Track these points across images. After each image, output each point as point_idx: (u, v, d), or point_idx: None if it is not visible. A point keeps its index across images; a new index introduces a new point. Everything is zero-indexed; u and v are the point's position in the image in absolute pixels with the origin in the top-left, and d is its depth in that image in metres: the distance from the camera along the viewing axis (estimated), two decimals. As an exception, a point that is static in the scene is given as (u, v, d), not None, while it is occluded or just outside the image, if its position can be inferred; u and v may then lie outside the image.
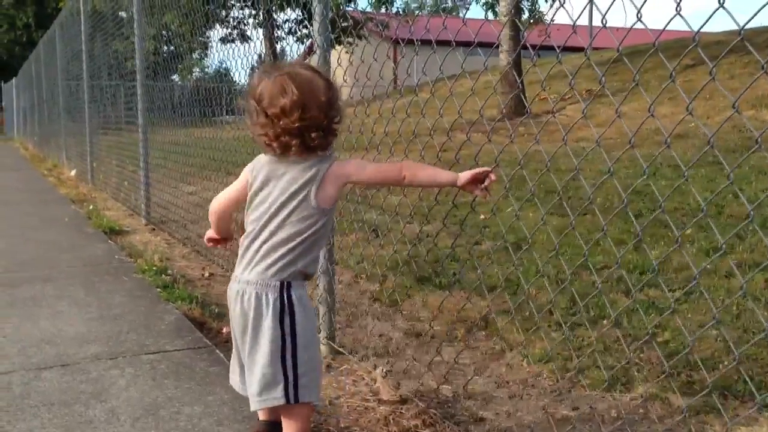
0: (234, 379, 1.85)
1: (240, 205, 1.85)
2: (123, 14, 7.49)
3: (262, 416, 1.88)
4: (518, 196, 5.39)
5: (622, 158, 5.88)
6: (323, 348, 2.92)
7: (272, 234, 1.70)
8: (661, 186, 5.40)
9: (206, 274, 4.37)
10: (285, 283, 1.69)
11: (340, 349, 2.89)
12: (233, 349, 1.81)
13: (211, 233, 1.96)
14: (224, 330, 3.23)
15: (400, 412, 2.32)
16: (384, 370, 2.53)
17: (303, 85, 1.68)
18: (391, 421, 2.27)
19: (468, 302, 2.78)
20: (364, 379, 2.67)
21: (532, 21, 12.87)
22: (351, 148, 3.13)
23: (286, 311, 1.68)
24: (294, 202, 1.69)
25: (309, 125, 1.67)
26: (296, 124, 1.65)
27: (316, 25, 2.74)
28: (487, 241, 4.30)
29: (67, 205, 7.41)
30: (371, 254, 4.00)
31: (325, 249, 2.86)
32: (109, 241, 5.27)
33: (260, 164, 1.77)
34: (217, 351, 2.84)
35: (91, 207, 7.10)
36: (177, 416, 2.20)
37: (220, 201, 1.91)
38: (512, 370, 2.67)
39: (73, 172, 10.26)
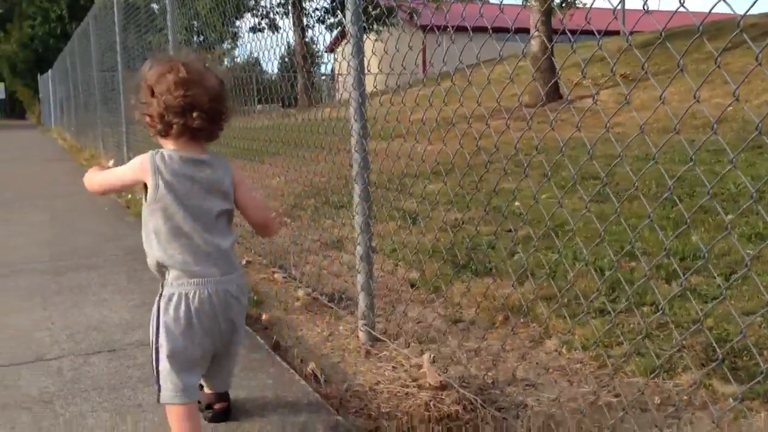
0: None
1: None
2: (155, 6, 7.58)
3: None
4: (554, 182, 5.35)
5: (657, 143, 5.80)
6: (363, 335, 2.95)
7: None
8: (700, 172, 5.31)
9: (243, 262, 4.43)
10: None
11: (380, 336, 2.92)
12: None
13: None
14: (263, 317, 3.28)
15: (441, 398, 2.35)
16: (431, 356, 2.55)
17: (191, 69, 1.79)
18: (432, 406, 2.29)
19: (508, 289, 2.79)
20: (403, 365, 2.69)
21: (564, 4, 12.68)
22: (388, 137, 3.15)
23: None
24: None
25: (192, 104, 1.76)
26: (179, 101, 1.75)
27: (348, 14, 2.74)
28: (527, 228, 4.29)
29: (106, 195, 7.54)
30: (410, 242, 4.02)
31: (365, 236, 2.88)
32: (149, 229, 5.36)
33: (170, 166, 1.82)
34: (258, 338, 2.88)
35: (129, 196, 7.21)
36: (222, 401, 2.24)
37: None
38: (553, 356, 2.67)
39: (111, 162, 10.43)
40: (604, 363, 2.52)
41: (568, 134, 2.24)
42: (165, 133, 1.82)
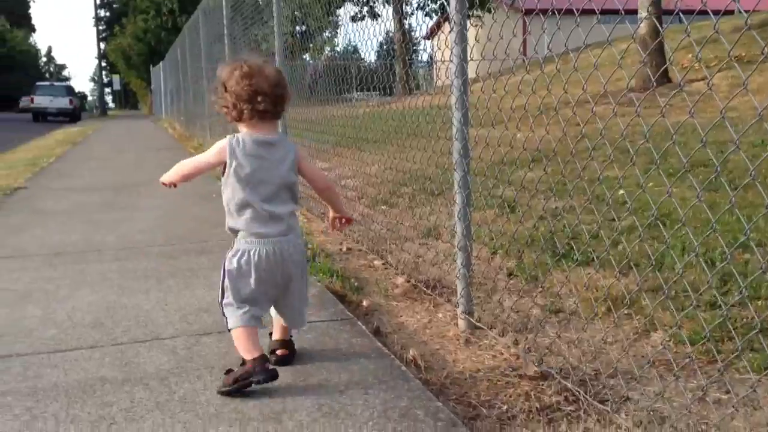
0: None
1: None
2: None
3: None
4: (662, 170, 5.15)
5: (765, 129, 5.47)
6: (462, 323, 2.96)
7: None
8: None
9: (344, 249, 4.52)
10: None
11: (479, 324, 2.92)
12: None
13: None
14: (364, 303, 3.35)
15: (542, 388, 2.33)
16: (526, 346, 2.53)
17: (252, 64, 2.25)
18: (533, 396, 2.27)
19: (610, 280, 2.72)
20: (503, 354, 2.68)
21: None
22: (489, 125, 3.13)
23: None
24: None
25: (256, 91, 2.20)
26: (246, 90, 2.20)
27: (453, 2, 2.73)
28: (631, 218, 4.16)
29: (213, 182, 7.86)
30: (507, 230, 3.99)
31: (463, 225, 2.88)
32: (253, 216, 5.55)
33: (241, 145, 2.27)
34: (359, 323, 2.94)
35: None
36: (325, 383, 2.31)
37: None
38: (658, 350, 2.59)
39: (217, 151, 10.83)
40: (714, 358, 2.43)
41: (675, 120, 2.16)
42: (239, 118, 2.27)
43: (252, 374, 2.18)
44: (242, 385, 2.19)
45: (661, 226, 3.06)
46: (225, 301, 2.30)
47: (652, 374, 2.38)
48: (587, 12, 2.18)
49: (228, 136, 2.28)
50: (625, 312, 2.90)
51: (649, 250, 3.19)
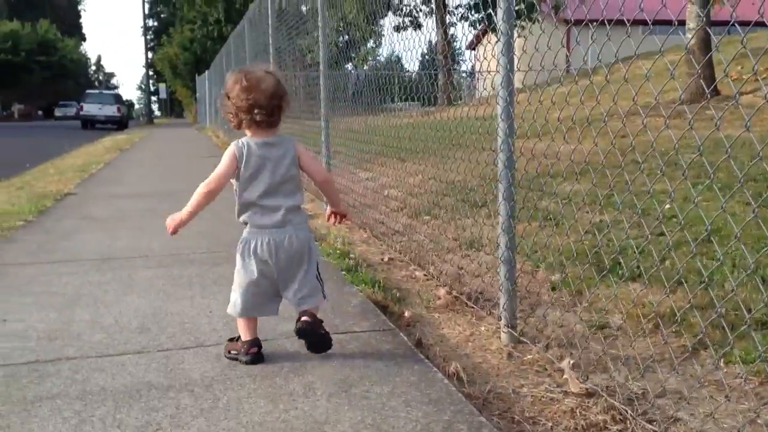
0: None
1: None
2: (304, 8, 7.87)
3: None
4: (709, 185, 5.04)
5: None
6: (504, 336, 2.93)
7: None
8: None
9: (385, 259, 4.52)
10: None
11: (522, 338, 2.89)
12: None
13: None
14: (406, 314, 3.34)
15: (587, 406, 2.29)
16: (571, 362, 2.50)
17: (251, 78, 2.51)
18: (578, 414, 2.24)
19: (658, 296, 2.66)
20: (546, 369, 2.65)
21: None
22: (523, 136, 3.10)
23: None
24: None
25: (253, 104, 2.48)
26: (243, 103, 2.49)
27: (500, 12, 2.72)
28: (680, 233, 4.08)
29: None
30: (551, 243, 3.94)
31: (507, 237, 2.86)
32: (296, 224, 5.59)
33: (246, 149, 2.58)
34: (401, 335, 2.93)
35: (277, 192, 7.56)
36: (367, 394, 2.30)
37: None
38: (708, 369, 2.52)
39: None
40: (766, 379, 2.35)
41: (725, 133, 2.11)
42: (239, 126, 2.58)
43: (239, 354, 2.61)
44: (231, 358, 2.63)
45: (713, 242, 2.99)
46: (233, 287, 2.64)
47: (702, 394, 2.32)
48: (635, 23, 2.15)
49: (233, 142, 2.60)
50: (673, 330, 2.83)
51: (700, 265, 3.12)
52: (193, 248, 4.64)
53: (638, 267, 3.41)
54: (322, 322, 2.66)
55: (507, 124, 2.76)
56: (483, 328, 3.15)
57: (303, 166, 2.65)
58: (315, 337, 2.62)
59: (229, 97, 2.54)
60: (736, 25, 1.94)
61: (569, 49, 2.81)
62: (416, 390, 2.34)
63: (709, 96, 1.99)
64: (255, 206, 2.58)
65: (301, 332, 2.61)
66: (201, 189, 2.66)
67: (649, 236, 3.77)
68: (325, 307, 2.87)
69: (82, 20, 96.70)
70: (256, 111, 2.49)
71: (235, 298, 2.61)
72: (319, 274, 2.69)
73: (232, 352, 2.64)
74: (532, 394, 2.43)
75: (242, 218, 2.63)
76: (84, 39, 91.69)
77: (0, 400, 2.27)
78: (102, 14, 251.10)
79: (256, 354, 2.59)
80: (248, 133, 2.60)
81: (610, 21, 2.26)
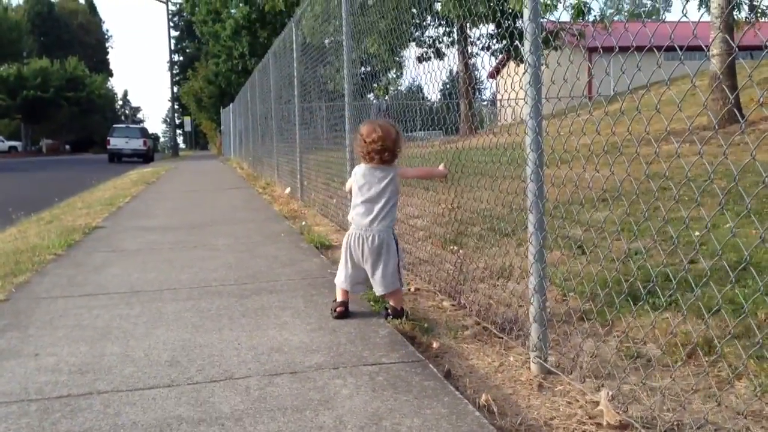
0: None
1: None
2: (326, 41, 7.98)
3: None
4: (737, 211, 4.99)
5: None
6: (534, 367, 2.89)
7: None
8: None
9: (412, 289, 4.50)
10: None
11: (553, 369, 2.85)
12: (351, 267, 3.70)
13: None
14: (434, 344, 3.32)
15: (622, 438, 2.24)
16: (609, 393, 2.45)
17: (383, 128, 3.62)
18: (613, 446, 2.19)
19: (691, 324, 2.62)
20: (578, 401, 2.60)
21: (748, 18, 11.76)
22: (553, 164, 3.09)
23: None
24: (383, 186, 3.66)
25: (384, 148, 3.59)
26: (378, 145, 3.58)
27: (527, 44, 2.74)
28: (705, 260, 4.02)
29: (281, 221, 8.01)
30: (580, 272, 3.90)
31: (539, 266, 2.84)
32: (321, 255, 5.62)
33: (359, 171, 3.72)
34: (431, 366, 2.91)
35: (303, 223, 7.61)
36: (398, 427, 2.28)
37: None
38: (745, 400, 2.47)
39: (287, 191, 11.05)
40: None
41: (753, 158, 2.09)
42: (370, 162, 3.67)
43: (331, 310, 3.71)
44: (331, 309, 3.73)
45: (751, 269, 2.95)
46: (339, 265, 3.76)
47: (740, 426, 2.27)
48: (661, 49, 2.16)
49: (355, 167, 3.78)
50: (706, 359, 2.78)
51: (740, 294, 3.07)
52: (221, 280, 4.67)
53: (671, 296, 3.36)
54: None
55: (537, 154, 2.75)
56: (512, 359, 3.11)
57: (406, 176, 3.93)
58: None
59: (365, 140, 3.62)
60: (764, 47, 1.93)
61: (590, 75, 2.82)
62: (447, 423, 2.31)
63: (743, 124, 1.98)
64: (357, 211, 3.69)
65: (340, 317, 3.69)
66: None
67: (683, 264, 3.72)
68: (353, 337, 2.86)
69: (109, 56, 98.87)
70: (386, 154, 3.64)
71: (338, 275, 3.77)
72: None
73: (330, 309, 3.76)
74: (564, 427, 2.39)
75: (350, 217, 3.78)
76: (111, 75, 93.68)
77: (33, 434, 2.28)
78: (129, 50, 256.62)
79: (337, 311, 3.68)
80: (364, 161, 3.71)
81: (627, 48, 2.28)
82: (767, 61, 1.76)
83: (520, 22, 2.82)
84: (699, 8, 11.48)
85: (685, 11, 2.16)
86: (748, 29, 2.39)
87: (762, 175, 1.82)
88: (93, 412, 2.45)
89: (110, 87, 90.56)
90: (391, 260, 3.60)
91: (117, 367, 2.94)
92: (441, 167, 3.89)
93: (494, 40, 18.13)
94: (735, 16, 10.97)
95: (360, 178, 3.65)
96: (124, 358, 3.06)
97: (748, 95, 10.46)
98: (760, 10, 11.35)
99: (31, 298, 4.29)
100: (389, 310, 3.67)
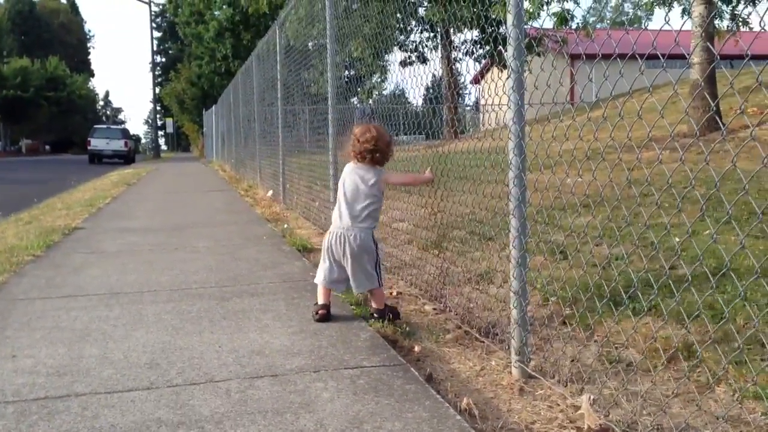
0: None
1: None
2: (310, 45, 7.97)
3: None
4: (717, 218, 5.04)
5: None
6: (515, 371, 2.90)
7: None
8: None
9: (394, 293, 4.50)
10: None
11: (534, 373, 2.86)
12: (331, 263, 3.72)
13: None
14: (416, 348, 3.31)
15: (603, 442, 2.25)
16: (590, 397, 2.46)
17: (377, 129, 3.71)
18: (593, 451, 2.20)
19: (671, 329, 2.64)
20: (559, 405, 2.61)
21: (729, 27, 11.90)
22: (535, 169, 3.11)
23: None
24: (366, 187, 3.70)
25: (376, 148, 3.66)
26: (370, 145, 3.65)
27: (510, 49, 2.75)
28: (686, 265, 4.06)
29: (263, 224, 7.98)
30: (561, 276, 3.92)
31: (521, 271, 2.85)
32: (303, 258, 5.60)
33: (347, 169, 3.77)
34: (412, 369, 2.91)
35: (285, 226, 7.58)
36: (379, 431, 2.28)
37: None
38: (723, 404, 2.49)
39: (269, 194, 11.01)
40: (785, 415, 2.32)
41: (733, 166, 2.11)
42: (360, 161, 3.72)
43: (313, 313, 3.69)
44: (312, 312, 3.71)
45: (732, 276, 2.97)
46: (320, 263, 3.78)
47: (719, 430, 2.28)
48: (644, 56, 2.18)
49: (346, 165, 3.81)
50: (686, 364, 2.80)
51: (721, 300, 3.10)
52: (201, 283, 4.64)
53: (652, 301, 3.38)
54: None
55: (519, 158, 2.76)
56: (493, 363, 3.12)
57: (390, 182, 3.87)
58: None
59: (358, 140, 3.69)
60: (746, 56, 1.95)
61: (572, 81, 2.84)
62: (428, 426, 2.31)
63: (724, 132, 2.00)
64: (338, 211, 3.73)
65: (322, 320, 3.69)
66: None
67: (654, 271, 3.75)
68: (334, 340, 2.84)
69: (90, 56, 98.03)
70: (377, 155, 3.71)
71: (318, 273, 3.80)
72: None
73: (312, 313, 3.74)
74: (545, 430, 2.40)
75: (332, 216, 3.80)
76: (92, 75, 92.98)
77: (9, 437, 2.25)
78: (110, 51, 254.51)
79: (319, 314, 3.67)
80: (354, 161, 3.76)
81: (623, 56, 2.29)
82: (747, 69, 1.78)
83: (504, 27, 2.84)
84: (682, 16, 11.61)
85: (667, 19, 2.19)
86: (729, 37, 2.42)
87: (742, 182, 1.84)
88: (71, 415, 2.42)
89: (91, 87, 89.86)
90: (370, 260, 3.66)
91: (95, 369, 2.90)
92: (427, 173, 3.90)
93: (478, 46, 18.23)
94: (716, 25, 11.10)
95: (347, 177, 3.72)
96: (102, 360, 3.02)
97: (728, 104, 10.59)
98: (741, 19, 11.50)
99: (8, 299, 4.23)
100: (372, 312, 3.72)
